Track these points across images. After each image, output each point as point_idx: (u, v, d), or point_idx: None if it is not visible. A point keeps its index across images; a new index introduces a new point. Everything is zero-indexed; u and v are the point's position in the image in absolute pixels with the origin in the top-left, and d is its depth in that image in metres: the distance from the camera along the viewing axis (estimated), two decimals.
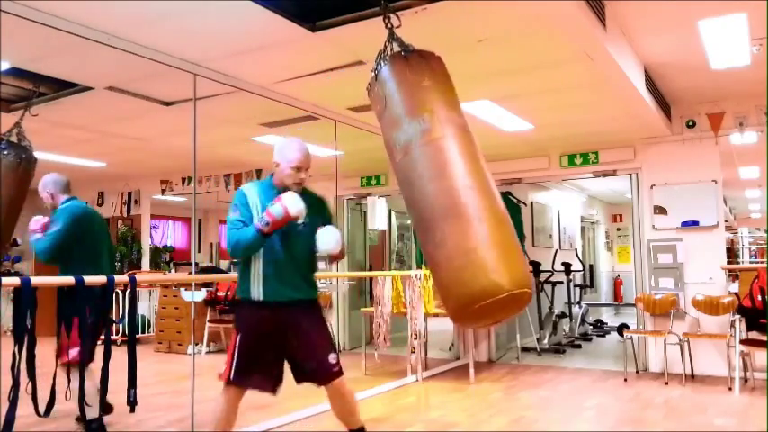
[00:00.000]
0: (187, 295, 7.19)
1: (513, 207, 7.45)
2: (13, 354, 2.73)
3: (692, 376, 5.59)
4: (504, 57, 3.96)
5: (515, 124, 5.60)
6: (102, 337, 3.22)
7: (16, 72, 4.18)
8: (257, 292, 2.81)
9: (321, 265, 3.26)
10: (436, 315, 5.77)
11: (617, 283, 12.97)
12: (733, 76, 4.92)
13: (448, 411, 4.53)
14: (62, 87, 4.57)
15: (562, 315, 7.98)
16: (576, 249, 10.12)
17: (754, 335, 5.18)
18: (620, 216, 13.29)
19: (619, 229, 13.40)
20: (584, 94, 4.79)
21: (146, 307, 8.06)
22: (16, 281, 2.72)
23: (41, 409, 3.07)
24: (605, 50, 3.58)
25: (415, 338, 5.56)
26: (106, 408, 3.74)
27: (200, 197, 8.54)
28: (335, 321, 7.38)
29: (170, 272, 9.18)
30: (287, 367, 2.91)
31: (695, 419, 4.19)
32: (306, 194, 2.86)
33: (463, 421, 4.20)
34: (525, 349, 7.14)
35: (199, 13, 3.21)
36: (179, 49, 3.76)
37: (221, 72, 4.14)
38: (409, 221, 8.07)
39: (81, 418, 3.43)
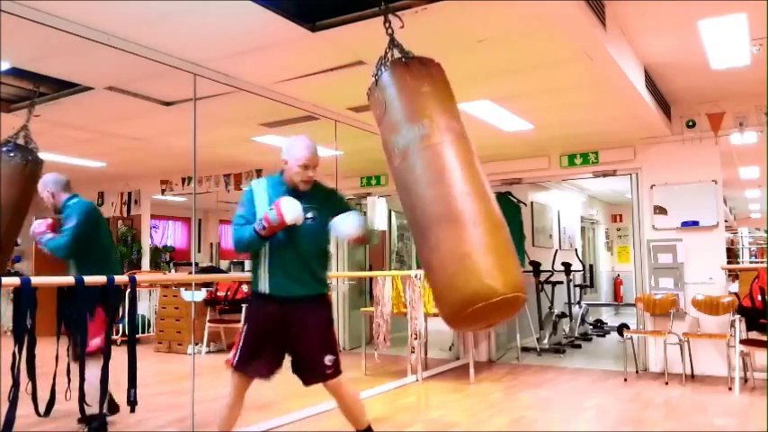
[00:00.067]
0: (187, 295, 7.19)
1: (513, 207, 7.45)
2: (13, 354, 2.74)
3: (692, 376, 5.59)
4: (504, 57, 3.96)
5: (515, 124, 5.59)
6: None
7: (16, 72, 4.18)
8: (264, 286, 2.87)
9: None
10: (436, 315, 5.72)
11: (617, 283, 12.97)
12: (733, 76, 4.92)
13: (448, 411, 4.53)
14: (62, 87, 4.57)
15: (562, 315, 7.98)
16: (575, 249, 10.12)
17: (754, 335, 5.18)
18: (620, 216, 13.29)
19: (619, 229, 13.40)
20: (584, 94, 4.79)
21: (146, 307, 8.06)
22: (16, 281, 2.72)
23: (41, 409, 3.08)
24: (605, 50, 3.58)
25: (415, 338, 5.56)
26: (112, 407, 3.75)
27: (200, 197, 8.55)
28: (336, 321, 7.37)
29: (170, 272, 9.19)
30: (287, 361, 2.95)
31: (695, 419, 4.20)
32: (316, 189, 2.90)
33: (463, 421, 4.20)
34: (525, 349, 7.14)
35: (199, 13, 3.21)
36: (179, 49, 3.76)
37: (221, 72, 4.14)
38: None
39: (82, 417, 3.44)
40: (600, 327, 9.29)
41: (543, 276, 7.87)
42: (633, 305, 6.40)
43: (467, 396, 5.04)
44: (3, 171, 4.02)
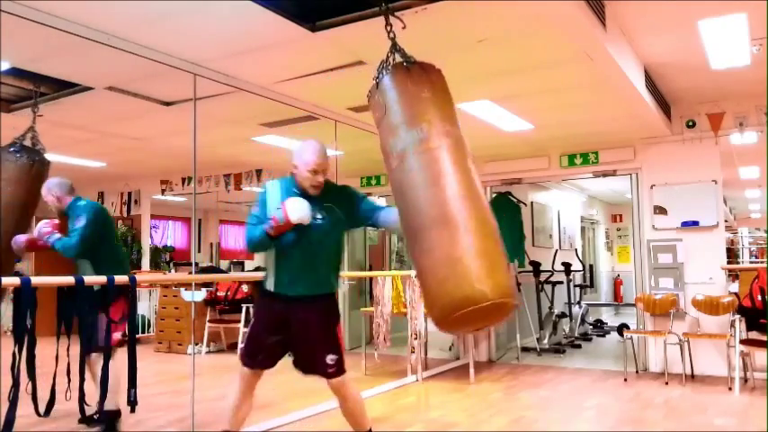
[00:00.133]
0: (187, 295, 7.19)
1: (513, 207, 7.45)
2: (13, 354, 2.74)
3: (692, 376, 5.59)
4: (504, 57, 3.96)
5: (515, 124, 5.59)
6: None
7: (16, 72, 4.18)
8: (272, 284, 2.93)
9: None
10: None
11: (617, 283, 12.97)
12: (733, 76, 4.92)
13: (448, 411, 4.53)
14: (62, 87, 4.57)
15: (562, 315, 7.98)
16: (575, 249, 10.12)
17: (754, 335, 5.18)
18: (620, 216, 13.29)
19: (619, 229, 13.40)
20: (585, 94, 4.79)
21: (146, 307, 8.07)
22: (16, 281, 2.72)
23: (41, 409, 3.08)
24: (605, 50, 3.58)
25: (415, 338, 5.56)
26: (114, 412, 3.76)
27: (200, 197, 8.55)
28: None
29: (170, 272, 9.18)
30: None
31: (695, 419, 4.20)
32: (328, 190, 2.93)
33: (463, 421, 4.20)
34: (525, 349, 7.14)
35: (199, 13, 3.21)
36: (179, 49, 3.76)
37: (221, 72, 4.14)
38: None
39: (82, 417, 3.45)
40: (600, 327, 9.28)
41: (543, 276, 7.87)
42: (633, 305, 6.40)
43: (467, 396, 5.04)
44: (10, 172, 4.05)
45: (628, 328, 7.06)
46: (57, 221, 3.66)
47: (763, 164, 8.14)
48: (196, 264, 9.53)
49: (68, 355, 3.40)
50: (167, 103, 4.88)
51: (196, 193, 6.53)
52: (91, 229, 3.59)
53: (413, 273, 5.67)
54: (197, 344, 7.13)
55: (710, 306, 5.57)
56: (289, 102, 4.79)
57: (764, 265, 7.66)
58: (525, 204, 7.93)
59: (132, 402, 3.15)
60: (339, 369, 2.88)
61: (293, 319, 2.87)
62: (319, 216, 2.84)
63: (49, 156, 4.31)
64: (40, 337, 2.80)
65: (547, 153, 6.66)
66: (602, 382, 5.52)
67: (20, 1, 2.99)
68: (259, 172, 7.57)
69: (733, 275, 6.68)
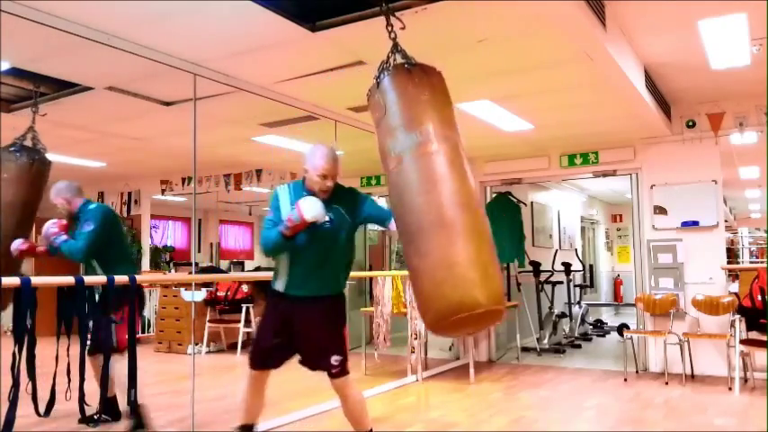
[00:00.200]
0: (187, 295, 7.19)
1: (513, 207, 7.45)
2: (13, 354, 2.74)
3: (692, 376, 5.59)
4: (504, 57, 3.96)
5: (515, 124, 5.59)
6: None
7: (16, 72, 4.18)
8: (282, 284, 2.98)
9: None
10: None
11: (617, 283, 12.97)
12: (733, 76, 4.92)
13: (448, 411, 4.53)
14: (62, 87, 4.57)
15: (562, 315, 7.98)
16: (575, 249, 10.12)
17: (754, 335, 5.18)
18: (620, 216, 13.29)
19: (619, 229, 13.40)
20: (585, 94, 4.79)
21: (146, 307, 8.05)
22: (16, 281, 2.72)
23: (41, 409, 3.08)
24: (605, 50, 3.58)
25: (415, 338, 5.56)
26: (114, 414, 3.77)
27: (200, 197, 8.55)
28: None
29: (170, 272, 9.18)
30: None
31: (695, 419, 4.20)
32: (335, 192, 2.95)
33: (463, 421, 4.20)
34: (525, 349, 7.14)
35: (199, 13, 3.21)
36: (179, 49, 3.76)
37: (221, 72, 4.14)
38: None
39: (82, 417, 3.45)
40: (600, 327, 9.29)
41: (543, 276, 7.87)
42: (633, 305, 6.40)
43: (467, 396, 5.04)
44: (11, 172, 4.06)
45: (628, 328, 7.06)
46: (64, 222, 3.65)
47: (763, 164, 8.14)
48: (196, 264, 9.53)
49: (68, 355, 3.40)
50: (167, 103, 4.88)
51: (196, 193, 6.53)
52: (99, 233, 3.58)
53: None
54: (197, 344, 7.13)
55: (710, 306, 5.57)
56: (289, 102, 4.79)
57: (764, 265, 7.66)
58: (525, 204, 7.93)
59: (132, 402, 3.15)
60: (343, 370, 2.91)
61: (297, 319, 2.91)
62: (329, 218, 2.88)
63: (49, 156, 4.31)
64: (40, 337, 2.80)
65: (547, 153, 6.65)
66: (602, 382, 5.52)
67: (20, 1, 2.99)
68: (259, 172, 7.56)
69: (733, 275, 6.68)
